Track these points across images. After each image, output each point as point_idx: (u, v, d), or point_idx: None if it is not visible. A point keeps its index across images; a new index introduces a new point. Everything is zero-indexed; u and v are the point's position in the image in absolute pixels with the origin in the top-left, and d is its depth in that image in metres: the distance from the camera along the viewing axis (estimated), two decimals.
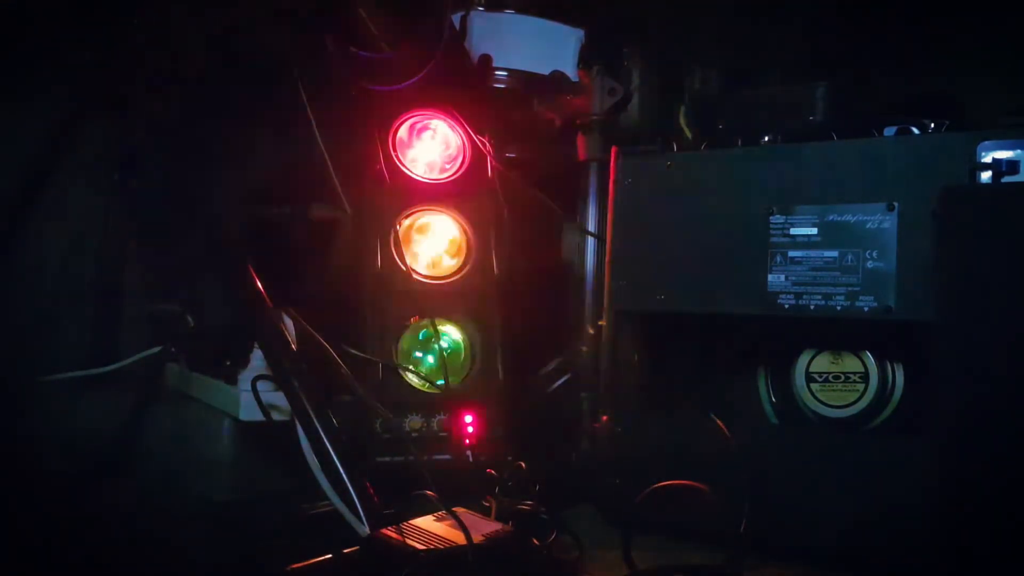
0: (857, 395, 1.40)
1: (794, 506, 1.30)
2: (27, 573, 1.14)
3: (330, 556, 1.09)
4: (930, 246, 1.21)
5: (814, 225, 1.33)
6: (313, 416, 1.16)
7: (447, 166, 1.57)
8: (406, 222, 1.52)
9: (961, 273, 1.16)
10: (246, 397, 1.27)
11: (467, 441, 1.48)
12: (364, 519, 1.11)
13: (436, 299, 1.50)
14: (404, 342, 1.49)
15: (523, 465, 1.41)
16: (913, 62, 1.71)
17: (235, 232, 1.56)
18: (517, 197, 1.63)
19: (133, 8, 1.38)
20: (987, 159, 1.21)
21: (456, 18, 1.66)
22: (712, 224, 1.40)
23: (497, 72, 1.67)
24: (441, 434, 1.48)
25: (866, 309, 1.29)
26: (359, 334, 1.46)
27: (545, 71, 1.69)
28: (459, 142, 1.58)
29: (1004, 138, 1.20)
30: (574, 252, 1.74)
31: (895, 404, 1.39)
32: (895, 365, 1.40)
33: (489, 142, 1.59)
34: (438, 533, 1.08)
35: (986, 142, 1.21)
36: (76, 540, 1.22)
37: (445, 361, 1.47)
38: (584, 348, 1.67)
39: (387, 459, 1.41)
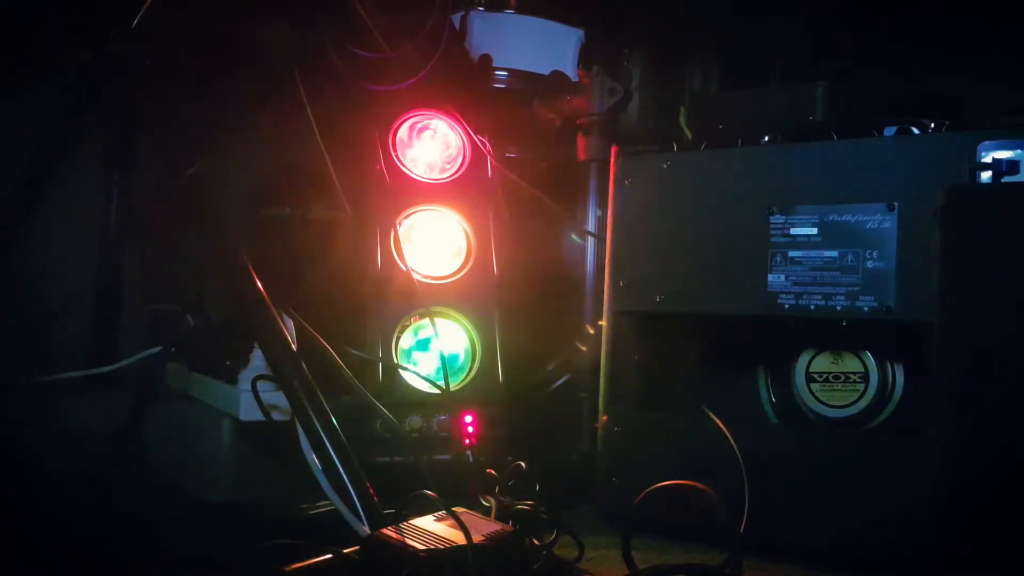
0: (857, 395, 1.40)
1: (794, 506, 1.30)
2: (27, 573, 1.14)
3: (330, 556, 1.09)
4: (930, 246, 1.21)
5: (814, 225, 1.33)
6: (313, 416, 1.16)
7: (447, 166, 1.57)
8: (406, 222, 1.52)
9: (961, 273, 1.16)
10: (246, 397, 1.27)
11: (467, 441, 1.48)
12: (364, 519, 1.11)
13: (436, 299, 1.50)
14: (404, 342, 1.49)
15: (523, 465, 1.41)
16: (913, 62, 1.71)
17: (235, 232, 1.56)
18: (517, 197, 1.63)
19: (133, 8, 1.38)
20: (987, 159, 1.21)
21: (456, 18, 1.66)
22: (712, 224, 1.40)
23: (497, 72, 1.67)
24: (441, 434, 1.48)
25: (866, 309, 1.29)
26: (359, 334, 1.46)
27: (545, 71, 1.69)
28: (459, 142, 1.58)
29: (1004, 138, 1.20)
30: (574, 252, 1.74)
31: (895, 404, 1.39)
32: (895, 365, 1.40)
33: (489, 142, 1.59)
34: (438, 533, 1.08)
35: (986, 142, 1.21)
36: (76, 540, 1.22)
37: (445, 361, 1.47)
38: (584, 348, 1.67)
39: (387, 459, 1.41)
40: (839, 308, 1.31)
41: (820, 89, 1.39)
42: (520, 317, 1.59)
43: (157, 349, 1.54)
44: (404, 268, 1.48)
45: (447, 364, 1.47)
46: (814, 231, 1.33)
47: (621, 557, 1.22)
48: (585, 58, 1.72)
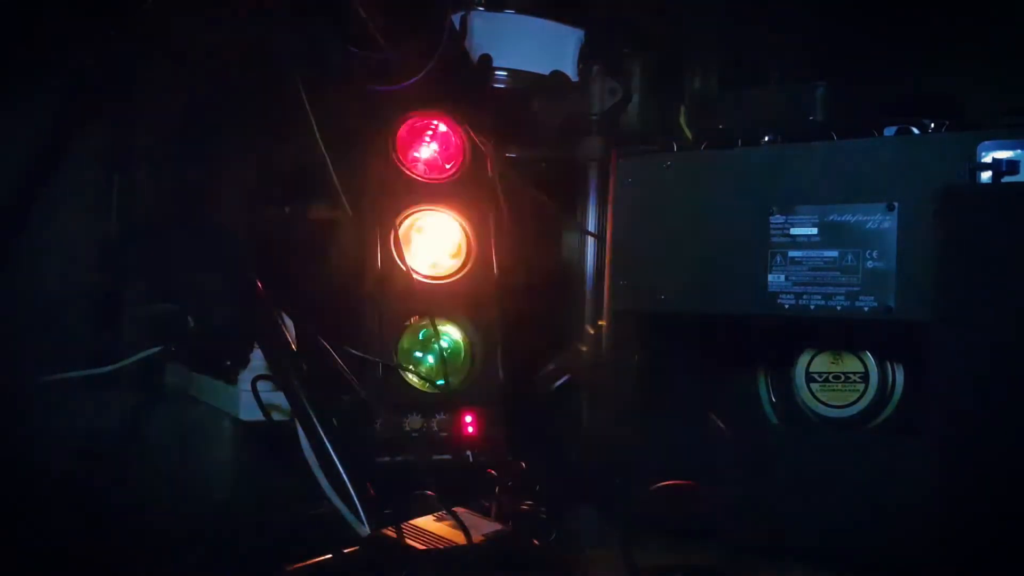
0: (857, 395, 1.40)
1: (794, 506, 1.30)
2: (27, 573, 1.14)
3: (330, 556, 1.09)
4: (930, 246, 1.21)
5: (814, 225, 1.33)
6: (313, 416, 1.16)
7: (447, 166, 1.57)
8: (406, 222, 1.52)
9: (961, 273, 1.16)
10: (246, 397, 1.27)
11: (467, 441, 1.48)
12: (364, 519, 1.11)
13: (436, 299, 1.50)
14: (404, 342, 1.49)
15: (523, 465, 1.41)
16: (913, 62, 1.71)
17: (235, 232, 1.56)
18: (517, 197, 1.63)
19: (134, 8, 1.38)
20: (987, 159, 1.20)
21: (456, 18, 1.66)
22: (712, 224, 1.40)
23: (497, 72, 1.67)
24: (441, 434, 1.48)
25: (866, 309, 1.29)
26: (359, 334, 1.46)
27: (545, 71, 1.69)
28: (459, 142, 1.58)
29: (1004, 138, 1.20)
30: (574, 252, 1.73)
31: (895, 404, 1.39)
32: (895, 365, 1.40)
33: (489, 142, 1.59)
34: (438, 533, 1.08)
35: (986, 142, 1.21)
36: (76, 540, 1.22)
37: (445, 361, 1.47)
38: (584, 348, 1.67)
39: (387, 459, 1.41)
40: (839, 308, 1.30)
41: (820, 89, 1.39)
42: (520, 317, 1.59)
43: (157, 349, 1.54)
44: (404, 268, 1.48)
45: (447, 364, 1.47)
46: (814, 231, 1.33)
47: (621, 557, 1.22)
48: (585, 58, 1.72)
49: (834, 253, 1.31)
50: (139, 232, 1.70)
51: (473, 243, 1.54)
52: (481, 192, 1.57)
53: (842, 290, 1.30)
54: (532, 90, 1.70)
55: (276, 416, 1.22)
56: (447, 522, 1.11)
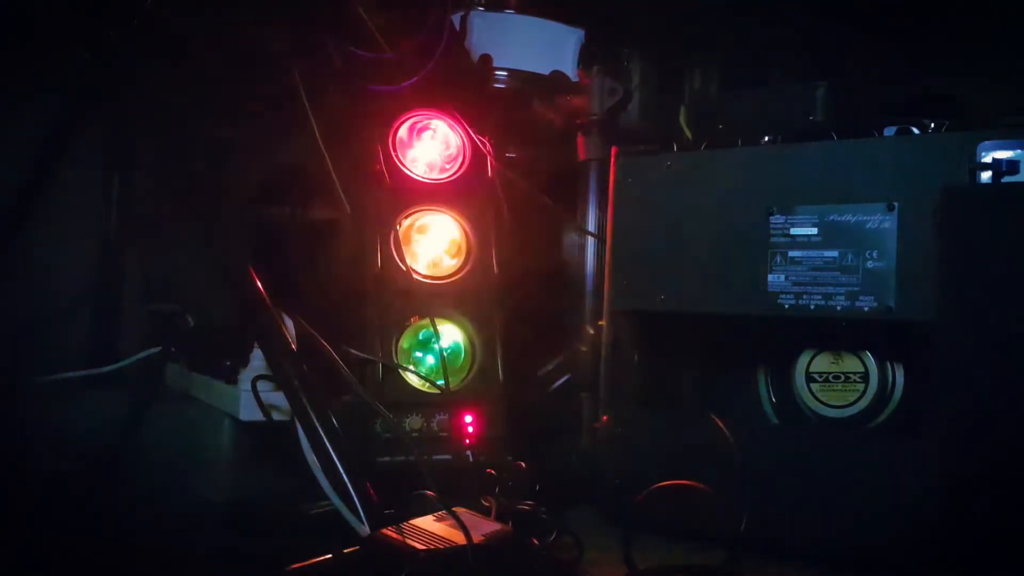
0: (857, 395, 1.40)
1: (794, 506, 1.30)
2: (27, 573, 1.14)
3: (330, 556, 1.09)
4: (930, 246, 1.21)
5: (814, 225, 1.33)
6: (313, 416, 1.16)
7: (447, 166, 1.57)
8: (406, 222, 1.52)
9: (961, 273, 1.16)
10: (246, 397, 1.27)
11: (467, 441, 1.48)
12: (364, 519, 1.11)
13: (436, 299, 1.50)
14: (404, 342, 1.49)
15: (523, 465, 1.41)
16: (913, 62, 1.71)
17: (235, 231, 1.56)
18: (517, 197, 1.63)
19: (133, 8, 1.38)
20: (987, 159, 1.21)
21: (456, 18, 1.66)
22: (712, 224, 1.40)
23: (497, 72, 1.67)
24: (441, 434, 1.48)
25: (866, 309, 1.29)
26: (359, 334, 1.46)
27: (545, 71, 1.69)
28: (459, 142, 1.58)
29: (1004, 138, 1.20)
30: (574, 252, 1.74)
31: (895, 404, 1.39)
32: (895, 365, 1.40)
33: (489, 142, 1.59)
34: (438, 533, 1.08)
35: (986, 142, 1.21)
36: (76, 540, 1.22)
37: (445, 361, 1.47)
38: (584, 348, 1.67)
39: (387, 459, 1.41)
40: (839, 308, 1.31)
41: (820, 89, 1.39)
42: (520, 317, 1.59)
43: (157, 349, 1.54)
44: (404, 268, 1.48)
45: (447, 364, 1.47)
46: (814, 231, 1.33)
47: (621, 557, 1.22)
48: (585, 58, 1.72)
49: (834, 253, 1.31)
50: (139, 231, 1.70)
51: (473, 243, 1.54)
52: (481, 192, 1.57)
53: (842, 290, 1.30)
54: (532, 90, 1.70)
55: (276, 416, 1.22)
56: (447, 522, 1.11)
